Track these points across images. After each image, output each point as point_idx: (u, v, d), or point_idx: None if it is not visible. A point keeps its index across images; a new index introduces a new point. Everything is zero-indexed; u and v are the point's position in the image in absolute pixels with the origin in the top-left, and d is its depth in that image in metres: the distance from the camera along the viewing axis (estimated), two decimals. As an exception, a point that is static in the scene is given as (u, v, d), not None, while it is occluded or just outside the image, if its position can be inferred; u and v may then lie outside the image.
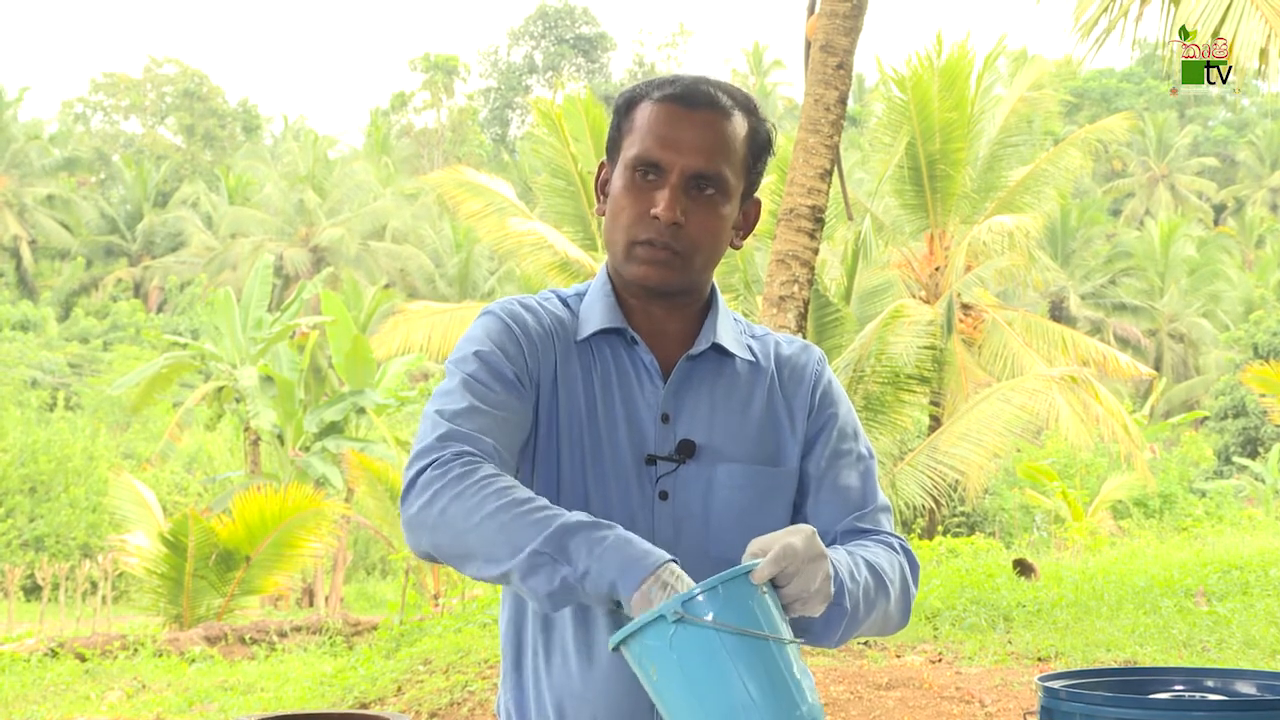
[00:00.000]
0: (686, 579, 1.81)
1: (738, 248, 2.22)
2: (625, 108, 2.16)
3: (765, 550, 1.84)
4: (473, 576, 1.96)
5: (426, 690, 8.77)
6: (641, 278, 2.12)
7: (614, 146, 2.17)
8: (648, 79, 2.19)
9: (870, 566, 2.04)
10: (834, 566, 1.93)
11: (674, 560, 1.83)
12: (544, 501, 1.90)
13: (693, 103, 2.10)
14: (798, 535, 1.85)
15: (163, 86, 66.51)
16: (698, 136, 2.09)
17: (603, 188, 2.19)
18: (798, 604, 1.85)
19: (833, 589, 1.90)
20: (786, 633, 1.81)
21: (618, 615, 1.94)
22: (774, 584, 1.83)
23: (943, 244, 21.13)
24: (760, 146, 2.17)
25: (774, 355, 2.25)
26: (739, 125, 2.13)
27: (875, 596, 2.02)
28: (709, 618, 1.74)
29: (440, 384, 2.11)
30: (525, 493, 1.91)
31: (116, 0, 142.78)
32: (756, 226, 2.25)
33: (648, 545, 1.84)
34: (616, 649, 1.81)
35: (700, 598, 1.75)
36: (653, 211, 2.08)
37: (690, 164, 2.08)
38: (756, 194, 2.22)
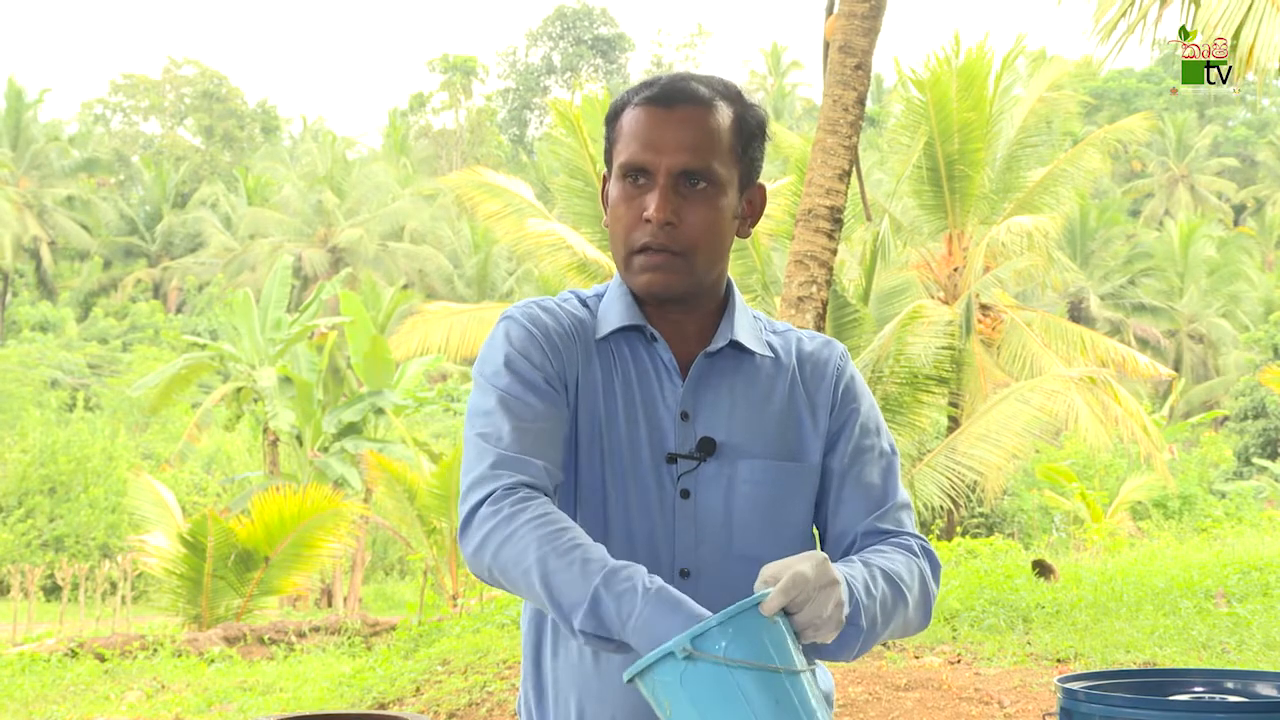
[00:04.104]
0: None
1: (745, 236, 2.19)
2: (613, 117, 2.15)
3: (776, 578, 1.81)
4: None
5: (445, 691, 8.78)
6: (645, 285, 2.11)
7: (609, 158, 2.16)
8: (634, 85, 2.16)
9: (888, 577, 2.02)
10: (849, 585, 1.91)
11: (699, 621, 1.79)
12: (582, 553, 1.87)
13: (671, 101, 2.08)
14: (808, 562, 1.82)
15: (182, 88, 66.75)
16: (680, 133, 2.07)
17: (606, 199, 2.18)
18: (809, 630, 1.82)
19: (846, 612, 1.87)
20: (799, 661, 1.78)
21: None
22: (785, 611, 1.79)
23: (961, 245, 21.10)
24: (750, 132, 2.14)
25: (795, 351, 2.23)
26: (722, 115, 2.10)
27: (893, 608, 2.01)
28: (719, 652, 1.71)
29: (474, 399, 2.09)
30: (567, 539, 1.89)
31: (136, 2, 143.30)
32: (765, 215, 2.23)
33: (678, 613, 1.80)
34: (631, 681, 1.78)
35: (710, 632, 1.72)
36: (644, 215, 2.07)
37: (675, 162, 2.06)
38: (760, 181, 2.20)
